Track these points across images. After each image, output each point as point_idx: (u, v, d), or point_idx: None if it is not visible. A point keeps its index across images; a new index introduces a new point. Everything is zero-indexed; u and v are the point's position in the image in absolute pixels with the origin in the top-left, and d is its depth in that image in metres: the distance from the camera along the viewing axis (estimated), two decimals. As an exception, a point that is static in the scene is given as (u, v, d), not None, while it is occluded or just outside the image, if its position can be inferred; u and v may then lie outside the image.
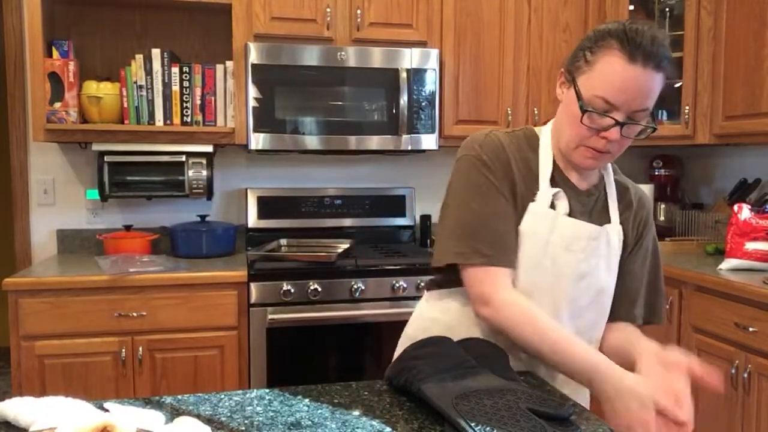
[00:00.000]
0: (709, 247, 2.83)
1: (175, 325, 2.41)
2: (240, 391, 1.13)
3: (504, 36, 2.93)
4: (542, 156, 1.28)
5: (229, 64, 2.73)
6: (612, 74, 1.14)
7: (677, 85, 2.90)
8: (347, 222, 3.08)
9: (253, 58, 2.62)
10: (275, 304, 2.48)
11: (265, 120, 2.65)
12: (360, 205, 3.08)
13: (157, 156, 2.72)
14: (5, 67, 2.83)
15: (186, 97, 2.72)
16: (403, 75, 2.73)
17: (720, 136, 2.75)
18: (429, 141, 2.79)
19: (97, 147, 2.67)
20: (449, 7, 2.86)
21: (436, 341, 1.18)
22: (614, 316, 1.35)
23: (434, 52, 2.78)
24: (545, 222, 1.24)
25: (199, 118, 2.74)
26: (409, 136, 2.77)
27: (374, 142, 2.76)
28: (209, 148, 2.77)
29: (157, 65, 2.69)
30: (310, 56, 2.67)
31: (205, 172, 2.77)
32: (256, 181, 3.09)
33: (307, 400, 1.09)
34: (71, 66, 2.59)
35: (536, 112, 2.97)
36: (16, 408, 0.95)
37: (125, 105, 2.67)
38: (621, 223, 1.32)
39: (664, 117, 3.05)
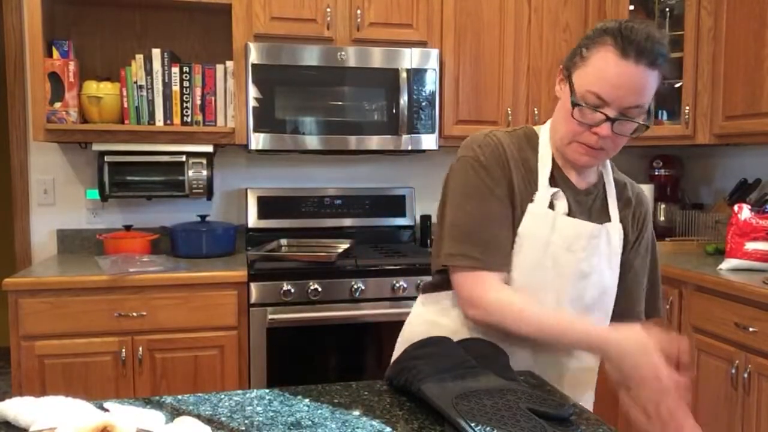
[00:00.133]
0: (709, 247, 2.83)
1: (175, 325, 2.41)
2: (240, 391, 1.13)
3: (504, 36, 2.93)
4: (541, 155, 1.28)
5: (229, 64, 2.73)
6: (604, 69, 1.14)
7: (677, 85, 2.90)
8: (347, 222, 3.08)
9: (253, 58, 2.62)
10: (275, 304, 2.48)
11: (265, 120, 2.65)
12: (360, 205, 3.08)
13: (157, 156, 2.72)
14: (5, 66, 2.83)
15: (186, 97, 2.72)
16: (403, 75, 2.73)
17: (720, 136, 2.75)
18: (429, 141, 2.79)
19: (97, 147, 2.67)
20: (449, 7, 2.86)
21: (436, 341, 1.19)
22: (619, 316, 1.35)
23: (434, 52, 2.78)
24: (545, 222, 1.24)
25: (199, 118, 2.74)
26: (409, 136, 2.77)
27: (374, 142, 2.76)
28: (209, 148, 2.77)
29: (157, 65, 2.69)
30: (310, 56, 2.67)
31: (205, 172, 2.77)
32: (256, 181, 3.09)
33: (307, 400, 1.09)
34: (71, 66, 2.59)
35: (536, 112, 2.97)
36: (16, 408, 0.95)
37: (125, 105, 2.67)
38: (621, 221, 1.32)
39: (664, 117, 3.05)
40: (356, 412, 1.04)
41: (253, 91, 2.63)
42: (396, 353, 1.42)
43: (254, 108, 2.64)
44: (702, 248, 2.90)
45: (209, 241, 2.77)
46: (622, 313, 1.35)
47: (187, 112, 2.72)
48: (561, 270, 1.24)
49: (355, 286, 2.53)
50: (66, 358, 2.33)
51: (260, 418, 1.01)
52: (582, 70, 1.18)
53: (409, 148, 2.78)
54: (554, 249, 1.24)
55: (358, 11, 2.77)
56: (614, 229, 1.30)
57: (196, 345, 2.43)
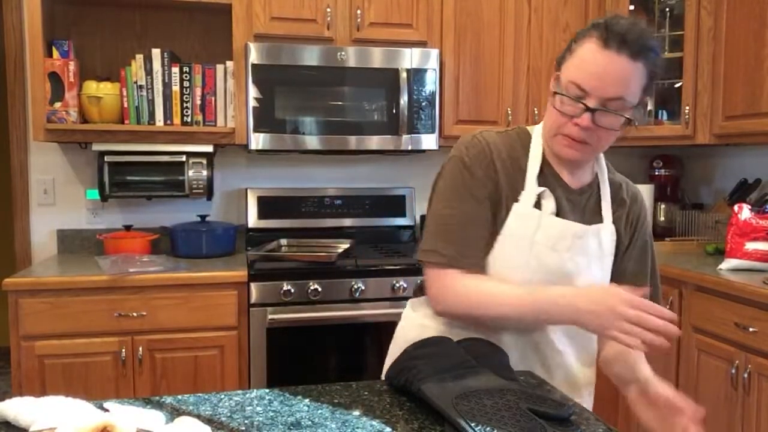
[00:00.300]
0: (709, 247, 2.83)
1: (175, 325, 2.41)
2: (240, 391, 1.13)
3: (504, 36, 2.93)
4: (532, 154, 1.28)
5: (229, 64, 2.73)
6: (586, 60, 1.15)
7: (677, 85, 2.90)
8: (347, 222, 3.08)
9: (253, 58, 2.62)
10: (275, 304, 2.48)
11: (265, 120, 2.65)
12: (360, 205, 3.08)
13: (157, 156, 2.72)
14: (5, 66, 2.83)
15: (186, 97, 2.72)
16: (403, 75, 2.73)
17: (720, 136, 2.75)
18: (429, 141, 2.79)
19: (97, 147, 2.67)
20: (449, 7, 2.86)
21: (436, 341, 1.19)
22: None
23: (434, 52, 2.78)
24: (530, 222, 1.23)
25: (199, 118, 2.74)
26: (409, 136, 2.77)
27: (374, 142, 2.76)
28: (209, 148, 2.77)
29: (157, 65, 2.69)
30: (310, 56, 2.67)
31: (205, 172, 2.77)
32: (256, 181, 3.09)
33: (307, 400, 1.09)
34: (71, 66, 2.59)
35: (536, 112, 2.97)
36: (16, 408, 0.95)
37: (125, 105, 2.67)
38: (614, 221, 1.32)
39: (664, 117, 3.05)
40: (356, 412, 1.04)
41: (253, 91, 2.63)
42: (389, 358, 1.42)
43: (254, 108, 2.64)
44: (702, 248, 2.90)
45: (209, 241, 2.77)
46: None
47: (187, 112, 2.72)
48: (546, 270, 1.24)
49: (355, 286, 2.53)
50: (66, 358, 2.33)
51: (260, 418, 1.01)
52: (568, 63, 1.19)
53: (409, 148, 2.78)
54: (539, 248, 1.23)
55: (358, 11, 2.77)
56: (606, 230, 1.29)
57: (196, 345, 2.43)
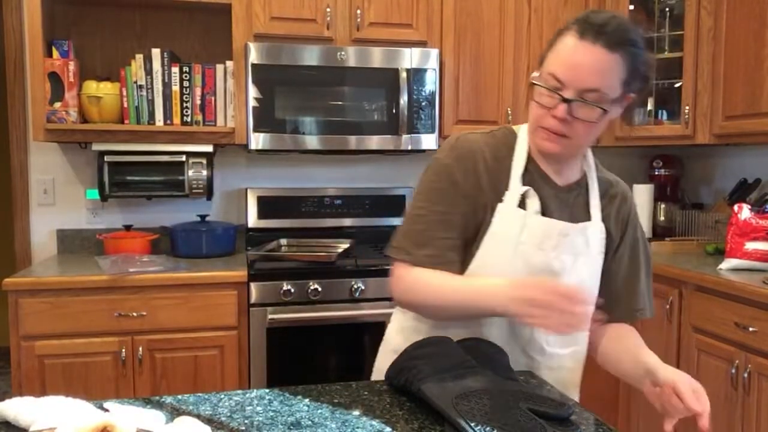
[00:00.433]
0: (709, 247, 2.83)
1: (175, 325, 2.41)
2: (240, 391, 1.13)
3: (504, 36, 2.93)
4: (516, 154, 1.28)
5: (229, 64, 2.73)
6: (562, 51, 1.16)
7: (677, 85, 2.90)
8: (347, 222, 3.08)
9: (253, 58, 2.62)
10: (275, 304, 2.48)
11: (265, 120, 2.65)
12: (360, 205, 3.08)
13: (157, 156, 2.72)
14: (5, 66, 2.83)
15: (186, 97, 2.72)
16: (403, 75, 2.73)
17: (720, 136, 2.75)
18: (429, 141, 2.79)
19: (97, 147, 2.67)
20: (449, 7, 2.86)
21: (436, 341, 1.19)
22: (618, 317, 1.35)
23: (434, 52, 2.78)
24: (514, 222, 1.23)
25: (199, 118, 2.74)
26: (409, 136, 2.77)
27: (374, 142, 2.76)
28: (209, 148, 2.77)
29: (157, 65, 2.69)
30: (310, 56, 2.67)
31: (205, 172, 2.77)
32: (256, 181, 3.09)
33: (307, 400, 1.09)
34: (71, 66, 2.59)
35: (536, 112, 2.97)
36: (16, 408, 0.95)
37: (125, 105, 2.67)
38: (603, 219, 1.31)
39: (664, 117, 3.05)
40: (356, 412, 1.04)
41: (253, 91, 2.63)
42: (378, 362, 1.42)
43: (254, 108, 2.64)
44: (702, 248, 2.90)
45: (209, 241, 2.77)
46: (620, 314, 1.35)
47: (187, 112, 2.72)
48: (532, 269, 1.23)
49: (355, 286, 2.53)
50: (66, 358, 2.33)
51: (260, 418, 1.01)
52: (548, 56, 1.19)
53: (409, 148, 2.78)
54: (525, 248, 1.23)
55: (358, 11, 2.77)
56: (593, 228, 1.29)
57: (196, 345, 2.43)
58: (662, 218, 3.20)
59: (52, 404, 0.96)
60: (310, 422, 1.00)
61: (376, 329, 2.55)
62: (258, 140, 2.65)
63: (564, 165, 1.29)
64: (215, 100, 2.75)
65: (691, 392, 1.10)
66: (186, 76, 2.71)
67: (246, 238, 2.97)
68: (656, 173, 3.27)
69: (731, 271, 2.41)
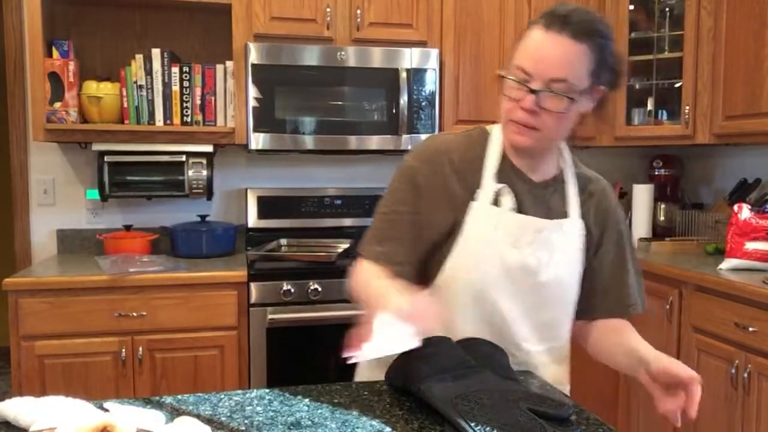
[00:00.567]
0: (709, 247, 2.83)
1: (175, 325, 2.41)
2: (240, 391, 1.13)
3: (504, 36, 2.93)
4: (489, 151, 1.28)
5: (229, 64, 2.73)
6: (529, 43, 1.17)
7: (677, 85, 2.90)
8: (347, 222, 3.08)
9: (253, 58, 2.62)
10: (275, 304, 2.48)
11: (265, 120, 2.65)
12: (360, 205, 3.08)
13: (157, 156, 2.72)
14: (5, 66, 2.83)
15: (186, 97, 2.72)
16: (403, 75, 2.73)
17: (720, 136, 2.75)
18: (429, 141, 2.79)
19: (97, 147, 2.67)
20: (449, 7, 2.86)
21: (436, 341, 1.18)
22: (605, 312, 1.35)
23: (434, 52, 2.78)
24: (488, 220, 1.23)
25: (199, 118, 2.74)
26: (409, 136, 2.77)
27: (374, 142, 2.76)
28: (209, 148, 2.77)
29: (157, 65, 2.69)
30: (310, 56, 2.67)
31: (205, 172, 2.77)
32: (256, 181, 3.09)
33: (307, 400, 1.09)
34: (71, 66, 2.59)
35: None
36: (16, 408, 0.95)
37: (125, 105, 2.67)
38: (582, 216, 1.31)
39: (664, 117, 3.05)
40: (356, 412, 1.04)
41: (253, 91, 2.63)
42: (360, 370, 1.43)
43: (254, 108, 2.64)
44: (702, 248, 2.90)
45: (209, 241, 2.77)
46: (611, 309, 1.34)
47: (187, 112, 2.72)
48: (508, 267, 1.23)
49: (355, 286, 2.53)
50: (66, 358, 2.33)
51: (260, 418, 1.01)
52: (516, 51, 1.20)
53: (409, 148, 2.78)
54: (499, 246, 1.23)
55: (358, 11, 2.77)
56: (571, 224, 1.28)
57: (196, 345, 2.43)
58: (662, 218, 3.20)
59: (52, 404, 0.96)
60: (310, 422, 1.00)
61: (376, 329, 2.55)
62: (258, 140, 2.65)
63: (538, 160, 1.28)
64: (215, 100, 2.75)
65: (683, 370, 1.09)
66: (186, 76, 2.71)
67: (246, 238, 2.97)
68: (656, 173, 3.27)
69: (731, 271, 2.41)
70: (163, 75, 2.69)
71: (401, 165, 1.31)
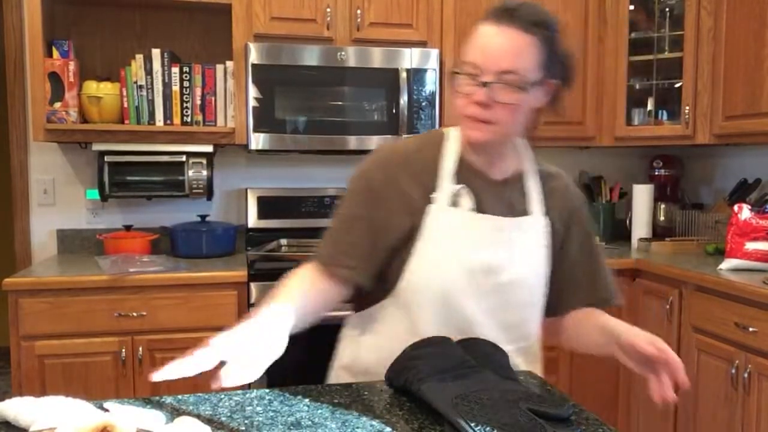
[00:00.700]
0: (709, 247, 2.83)
1: (175, 325, 2.40)
2: (240, 391, 1.13)
3: (504, 36, 2.92)
4: (445, 152, 1.27)
5: (229, 64, 2.73)
6: (479, 38, 1.19)
7: (677, 85, 2.90)
8: (347, 222, 3.07)
9: (253, 58, 2.62)
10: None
11: (265, 120, 2.65)
12: (360, 205, 3.08)
13: (157, 156, 2.72)
14: (5, 66, 2.83)
15: (186, 97, 2.72)
16: (403, 75, 2.73)
17: (720, 136, 2.75)
18: (429, 141, 2.79)
19: (97, 147, 2.67)
20: (449, 7, 2.86)
21: (436, 341, 1.18)
22: (577, 306, 1.34)
23: (434, 52, 2.78)
24: (447, 221, 1.23)
25: (199, 118, 2.74)
26: (409, 136, 2.77)
27: (374, 142, 2.75)
28: (209, 148, 2.77)
29: (157, 65, 2.69)
30: (310, 56, 2.67)
31: (205, 172, 2.77)
32: (256, 181, 3.09)
33: (307, 400, 1.09)
34: (71, 66, 2.59)
35: (536, 112, 2.97)
36: (16, 408, 0.95)
37: (125, 105, 2.67)
38: (547, 212, 1.30)
39: (664, 117, 3.05)
40: (356, 412, 1.04)
41: (253, 91, 2.63)
42: (332, 372, 1.43)
43: (254, 108, 2.64)
44: (702, 248, 2.90)
45: (209, 241, 2.77)
46: (585, 304, 1.34)
47: (187, 112, 2.72)
48: (470, 267, 1.22)
49: (355, 286, 2.53)
50: (66, 358, 2.33)
51: (260, 418, 1.01)
52: (467, 47, 1.21)
53: (409, 148, 2.78)
54: (460, 247, 1.22)
55: (358, 11, 2.77)
56: (533, 221, 1.28)
57: (197, 345, 2.43)
58: (662, 218, 3.20)
59: (52, 404, 0.96)
60: (310, 422, 1.00)
61: (376, 329, 2.55)
62: (258, 140, 2.65)
63: (496, 157, 1.27)
64: (215, 100, 2.75)
65: (648, 343, 1.08)
66: (186, 76, 2.71)
67: (246, 238, 2.97)
68: (656, 173, 3.27)
69: (731, 271, 2.41)
70: (163, 75, 2.69)
71: (357, 171, 1.31)
